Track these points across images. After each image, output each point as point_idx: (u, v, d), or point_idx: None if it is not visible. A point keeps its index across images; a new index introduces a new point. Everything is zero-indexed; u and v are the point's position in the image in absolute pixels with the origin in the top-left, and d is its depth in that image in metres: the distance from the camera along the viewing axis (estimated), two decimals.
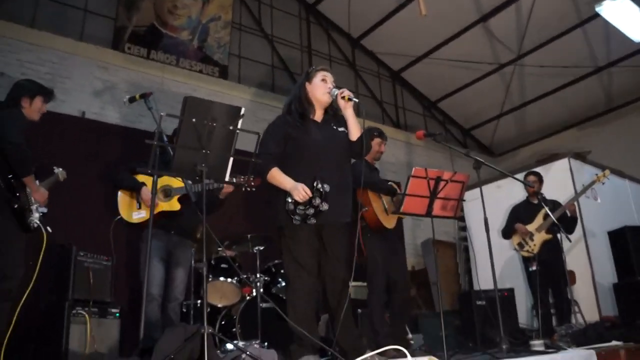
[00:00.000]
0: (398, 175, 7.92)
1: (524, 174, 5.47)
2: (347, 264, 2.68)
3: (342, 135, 2.90)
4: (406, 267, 4.28)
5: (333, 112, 2.98)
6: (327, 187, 2.64)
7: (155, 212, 3.54)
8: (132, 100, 3.26)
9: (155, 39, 6.83)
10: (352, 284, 2.66)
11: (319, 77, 2.97)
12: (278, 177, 2.76)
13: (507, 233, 5.29)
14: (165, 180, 3.64)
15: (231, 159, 2.59)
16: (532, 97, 9.52)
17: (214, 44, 7.38)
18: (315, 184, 2.65)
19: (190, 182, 3.39)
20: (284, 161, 2.84)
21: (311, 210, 2.63)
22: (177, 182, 3.62)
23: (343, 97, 2.80)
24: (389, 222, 4.01)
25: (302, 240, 2.73)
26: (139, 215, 3.59)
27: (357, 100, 2.77)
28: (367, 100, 9.25)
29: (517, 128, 10.22)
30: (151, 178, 2.88)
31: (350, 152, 2.90)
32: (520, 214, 5.29)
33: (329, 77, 2.98)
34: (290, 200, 2.67)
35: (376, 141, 4.26)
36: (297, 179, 2.74)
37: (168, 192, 3.66)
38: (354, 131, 2.87)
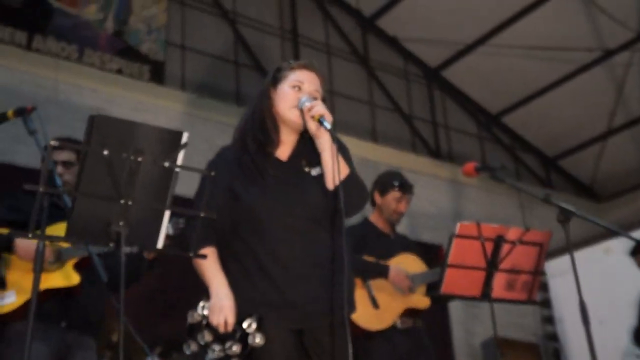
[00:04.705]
0: (439, 232, 7.93)
1: None
2: None
3: (316, 184, 2.77)
4: None
5: (311, 137, 2.77)
6: (259, 340, 2.58)
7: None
8: (1, 119, 3.32)
9: (43, 17, 6.89)
10: None
11: (290, 80, 2.81)
12: (205, 266, 2.71)
13: None
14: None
15: (167, 213, 2.65)
16: None
17: (141, 27, 7.49)
18: (245, 324, 2.58)
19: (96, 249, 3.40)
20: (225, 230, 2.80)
21: (236, 348, 2.58)
22: None
23: (313, 117, 2.65)
24: (379, 320, 4.05)
25: (275, 349, 2.70)
26: (4, 300, 3.51)
27: (327, 126, 2.59)
28: (387, 114, 9.38)
29: (638, 155, 10.32)
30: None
31: (333, 207, 2.72)
32: None
33: (309, 80, 2.81)
34: (202, 311, 2.63)
35: (392, 195, 4.30)
36: (239, 269, 2.75)
37: (57, 255, 3.58)
38: (330, 174, 2.68)
